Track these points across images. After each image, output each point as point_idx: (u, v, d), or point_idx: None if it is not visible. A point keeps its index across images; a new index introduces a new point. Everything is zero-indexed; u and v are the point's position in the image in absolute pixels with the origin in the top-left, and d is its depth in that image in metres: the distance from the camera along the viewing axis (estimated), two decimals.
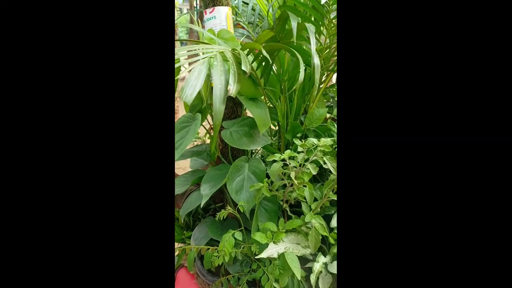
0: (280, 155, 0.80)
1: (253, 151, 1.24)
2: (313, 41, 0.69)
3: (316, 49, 1.02)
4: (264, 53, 0.67)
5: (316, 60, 0.69)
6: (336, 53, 1.09)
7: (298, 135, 1.09)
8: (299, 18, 0.96)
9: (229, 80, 0.56)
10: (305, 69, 1.14)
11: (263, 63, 0.87)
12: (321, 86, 1.27)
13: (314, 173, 0.77)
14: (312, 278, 0.85)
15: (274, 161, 0.80)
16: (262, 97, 1.04)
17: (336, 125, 1.02)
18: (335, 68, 1.19)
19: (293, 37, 0.69)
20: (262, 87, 0.97)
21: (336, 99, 1.30)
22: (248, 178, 0.96)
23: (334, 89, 1.34)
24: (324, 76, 1.23)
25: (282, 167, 0.86)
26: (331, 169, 0.78)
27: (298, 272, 0.82)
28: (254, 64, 0.90)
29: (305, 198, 0.87)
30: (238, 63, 0.64)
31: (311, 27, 0.70)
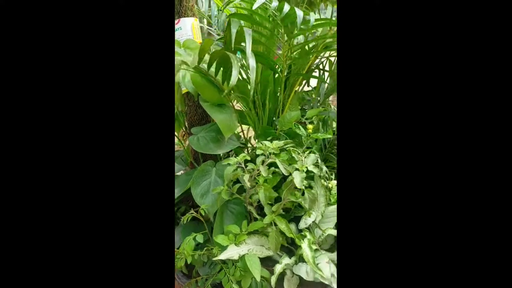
0: (234, 158, 0.82)
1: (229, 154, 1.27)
2: (249, 43, 0.71)
3: (280, 54, 1.04)
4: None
5: (252, 62, 0.71)
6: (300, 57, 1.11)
7: (269, 138, 1.11)
8: (259, 28, 0.99)
9: None
10: (274, 74, 1.16)
11: (221, 69, 0.90)
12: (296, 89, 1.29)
13: (265, 175, 0.78)
14: (273, 279, 0.85)
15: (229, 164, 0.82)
16: (235, 102, 1.07)
17: (301, 128, 1.03)
18: (304, 72, 1.21)
19: (241, 43, 0.72)
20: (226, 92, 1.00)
21: (311, 101, 1.30)
22: (215, 182, 0.99)
23: (311, 93, 1.34)
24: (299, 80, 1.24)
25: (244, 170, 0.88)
26: (283, 170, 0.79)
27: (257, 274, 0.83)
28: (213, 70, 0.92)
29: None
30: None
31: (248, 31, 0.72)
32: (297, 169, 0.82)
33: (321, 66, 1.30)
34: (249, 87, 0.74)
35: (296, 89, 1.38)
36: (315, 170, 0.81)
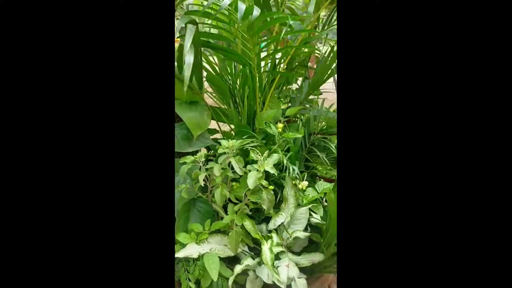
0: (191, 157, 0.82)
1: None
2: (188, 39, 0.70)
3: (250, 52, 1.02)
4: None
5: (188, 58, 0.70)
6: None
7: (244, 137, 1.09)
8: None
9: None
10: (250, 71, 1.14)
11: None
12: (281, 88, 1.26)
13: (218, 174, 0.77)
14: (230, 280, 0.84)
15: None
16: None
17: (272, 127, 1.00)
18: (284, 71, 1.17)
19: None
20: (197, 90, 0.99)
21: (295, 99, 1.27)
22: (184, 180, 0.99)
23: (295, 90, 1.31)
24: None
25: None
26: (237, 170, 0.77)
27: (214, 274, 0.82)
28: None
29: (230, 200, 0.87)
30: None
31: (191, 27, 0.71)
32: (257, 170, 0.80)
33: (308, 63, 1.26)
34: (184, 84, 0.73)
35: (285, 87, 1.35)
36: (272, 171, 0.78)
